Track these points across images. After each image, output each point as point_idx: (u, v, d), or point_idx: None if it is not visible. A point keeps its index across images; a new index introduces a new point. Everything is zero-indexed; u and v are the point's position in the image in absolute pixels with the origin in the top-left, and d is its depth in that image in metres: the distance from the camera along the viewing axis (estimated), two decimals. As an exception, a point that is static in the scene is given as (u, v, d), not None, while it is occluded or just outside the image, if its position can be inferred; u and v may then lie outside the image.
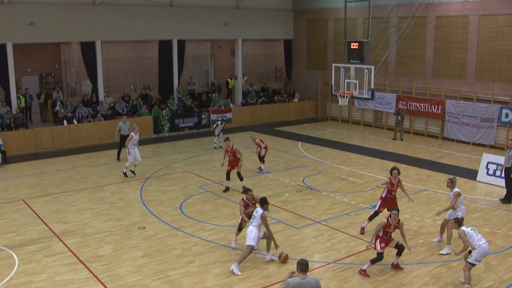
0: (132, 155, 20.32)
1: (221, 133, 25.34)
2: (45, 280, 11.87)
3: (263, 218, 12.46)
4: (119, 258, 13.09)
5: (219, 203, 17.43)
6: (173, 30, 31.11)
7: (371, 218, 14.75)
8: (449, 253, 13.25)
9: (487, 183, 19.75)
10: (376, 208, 14.72)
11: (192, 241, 14.17)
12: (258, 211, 12.62)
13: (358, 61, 22.71)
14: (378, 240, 12.24)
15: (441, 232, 14.13)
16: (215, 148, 25.67)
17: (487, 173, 19.97)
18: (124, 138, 23.14)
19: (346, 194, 18.44)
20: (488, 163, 20.02)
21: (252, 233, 12.45)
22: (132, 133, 20.30)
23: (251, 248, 12.40)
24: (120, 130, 23.19)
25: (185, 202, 17.53)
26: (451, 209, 13.68)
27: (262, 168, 21.31)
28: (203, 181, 19.98)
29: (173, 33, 31.23)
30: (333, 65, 23.99)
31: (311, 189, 18.97)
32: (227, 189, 18.68)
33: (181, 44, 32.00)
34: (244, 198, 13.57)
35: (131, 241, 14.21)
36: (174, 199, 17.79)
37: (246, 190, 13.86)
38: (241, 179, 18.65)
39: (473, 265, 11.41)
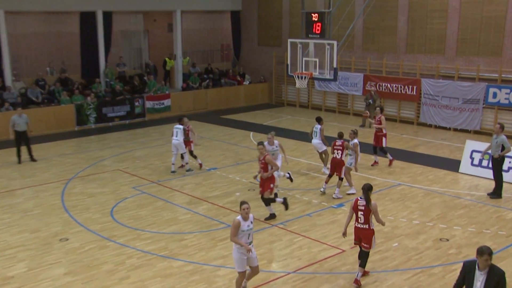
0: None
1: None
2: None
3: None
4: (35, 278, 12.77)
5: (158, 206, 17.30)
6: (97, 0, 30.68)
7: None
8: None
9: (472, 175, 20.08)
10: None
11: (126, 252, 14.02)
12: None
13: (318, 36, 22.81)
14: None
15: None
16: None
17: (472, 164, 20.24)
18: (20, 135, 22.06)
19: (307, 191, 18.57)
20: (472, 151, 20.27)
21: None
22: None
23: None
24: (14, 125, 21.98)
25: (117, 206, 17.35)
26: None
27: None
28: (138, 181, 19.82)
29: (97, 3, 30.74)
30: (289, 40, 23.97)
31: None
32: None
33: (108, 16, 31.57)
34: None
35: (50, 256, 13.93)
36: (103, 204, 17.57)
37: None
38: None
39: None
